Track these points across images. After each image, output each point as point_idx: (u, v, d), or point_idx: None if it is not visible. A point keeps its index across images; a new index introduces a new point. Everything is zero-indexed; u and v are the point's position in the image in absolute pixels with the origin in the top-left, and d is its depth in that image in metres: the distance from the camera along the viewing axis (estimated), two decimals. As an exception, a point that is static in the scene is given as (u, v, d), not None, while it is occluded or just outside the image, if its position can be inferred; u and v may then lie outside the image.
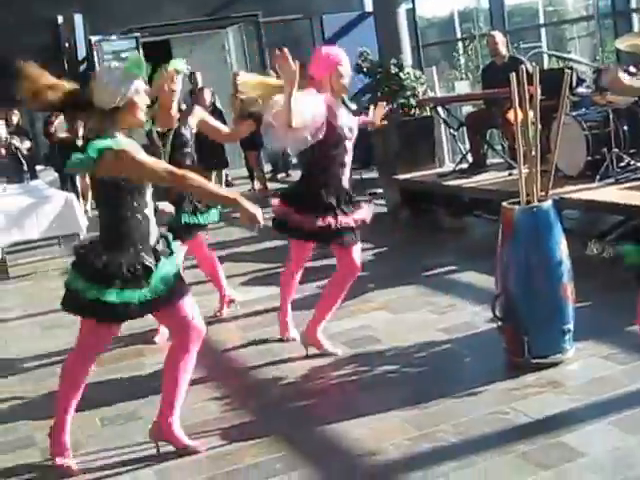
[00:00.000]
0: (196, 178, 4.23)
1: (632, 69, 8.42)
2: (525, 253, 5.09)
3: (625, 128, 8.50)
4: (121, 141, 4.18)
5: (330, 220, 5.42)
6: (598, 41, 12.89)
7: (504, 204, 5.26)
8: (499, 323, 5.28)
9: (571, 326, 5.13)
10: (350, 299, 6.89)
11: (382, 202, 11.40)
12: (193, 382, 5.55)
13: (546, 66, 11.60)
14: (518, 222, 5.10)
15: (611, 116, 8.31)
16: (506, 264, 5.17)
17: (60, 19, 16.91)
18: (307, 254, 5.99)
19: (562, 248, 5.09)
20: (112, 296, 4.18)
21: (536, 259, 5.09)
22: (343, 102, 5.80)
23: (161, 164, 4.35)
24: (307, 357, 5.75)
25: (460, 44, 17.88)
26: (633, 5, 11.74)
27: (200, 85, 14.81)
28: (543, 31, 16.32)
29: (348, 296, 6.82)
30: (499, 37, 10.14)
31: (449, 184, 9.74)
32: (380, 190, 11.84)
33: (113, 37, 17.31)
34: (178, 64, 6.38)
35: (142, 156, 4.20)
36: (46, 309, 8.03)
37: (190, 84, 14.86)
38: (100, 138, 4.12)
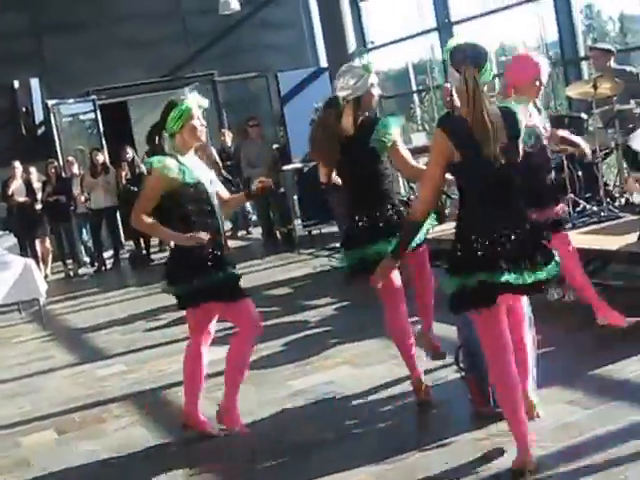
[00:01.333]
0: None
1: (583, 115, 8.54)
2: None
3: (579, 173, 8.60)
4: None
5: None
6: (550, 89, 13.06)
7: None
8: (462, 374, 5.25)
9: (533, 373, 5.12)
10: (313, 356, 6.88)
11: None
12: (155, 451, 5.51)
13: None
14: None
15: (565, 162, 8.39)
16: (464, 315, 5.16)
17: (16, 84, 16.87)
18: None
19: None
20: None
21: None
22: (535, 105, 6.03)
23: None
24: (268, 418, 5.67)
25: (416, 96, 18.04)
26: (581, 53, 11.93)
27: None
28: (497, 81, 16.51)
29: (310, 353, 6.82)
30: (453, 89, 10.21)
31: (409, 235, 9.73)
32: (339, 244, 11.80)
33: (70, 100, 17.32)
34: (199, 100, 5.41)
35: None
36: (7, 377, 7.93)
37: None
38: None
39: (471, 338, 5.12)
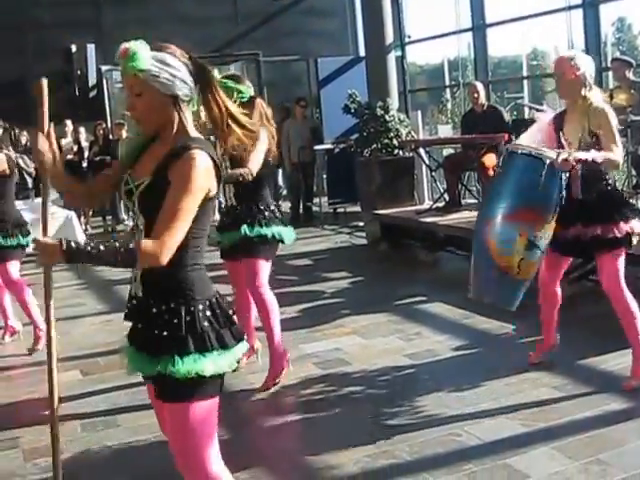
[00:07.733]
0: None
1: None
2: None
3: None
4: None
5: None
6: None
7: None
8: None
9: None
10: (324, 323, 7.00)
11: (363, 234, 11.52)
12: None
13: (527, 116, 11.73)
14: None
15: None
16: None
17: (74, 48, 17.02)
18: None
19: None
20: None
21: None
22: None
23: None
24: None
25: (448, 91, 18.08)
26: (608, 64, 11.87)
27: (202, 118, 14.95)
28: (525, 83, 16.50)
29: (322, 321, 6.92)
30: (479, 87, 10.27)
31: (426, 220, 9.83)
32: (361, 223, 11.96)
33: (122, 68, 17.42)
34: None
35: None
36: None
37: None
38: None
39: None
